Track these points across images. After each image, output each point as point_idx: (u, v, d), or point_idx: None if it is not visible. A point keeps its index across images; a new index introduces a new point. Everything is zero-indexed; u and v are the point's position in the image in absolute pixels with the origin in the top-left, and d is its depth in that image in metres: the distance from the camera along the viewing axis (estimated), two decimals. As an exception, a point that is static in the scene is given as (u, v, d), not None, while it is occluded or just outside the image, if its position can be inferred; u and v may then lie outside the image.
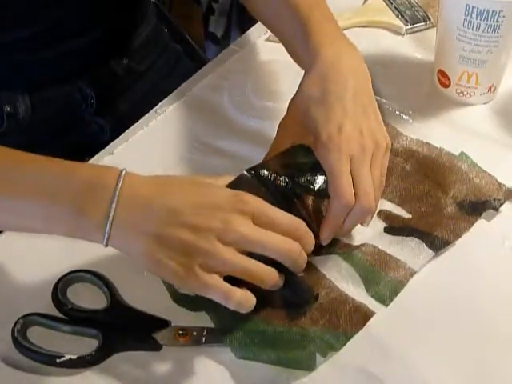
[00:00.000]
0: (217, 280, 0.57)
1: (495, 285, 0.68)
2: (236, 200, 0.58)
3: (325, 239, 0.66)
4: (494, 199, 0.73)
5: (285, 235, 0.59)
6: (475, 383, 0.61)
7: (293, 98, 0.70)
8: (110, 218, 0.56)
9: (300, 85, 0.70)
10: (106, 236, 0.57)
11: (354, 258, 0.68)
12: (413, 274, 0.68)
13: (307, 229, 0.61)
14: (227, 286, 0.58)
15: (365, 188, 0.64)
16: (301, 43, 0.72)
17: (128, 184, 0.58)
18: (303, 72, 0.90)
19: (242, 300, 0.58)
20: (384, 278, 0.67)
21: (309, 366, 0.61)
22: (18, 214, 0.59)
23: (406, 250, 0.69)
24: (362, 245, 0.70)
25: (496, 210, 0.73)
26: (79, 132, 0.92)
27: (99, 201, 0.57)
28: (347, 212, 0.64)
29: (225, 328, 0.63)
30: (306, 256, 0.61)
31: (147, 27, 0.97)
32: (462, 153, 0.77)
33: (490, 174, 0.75)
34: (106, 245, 0.57)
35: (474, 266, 0.69)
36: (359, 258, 0.68)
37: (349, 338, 0.63)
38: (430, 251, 0.69)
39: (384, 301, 0.66)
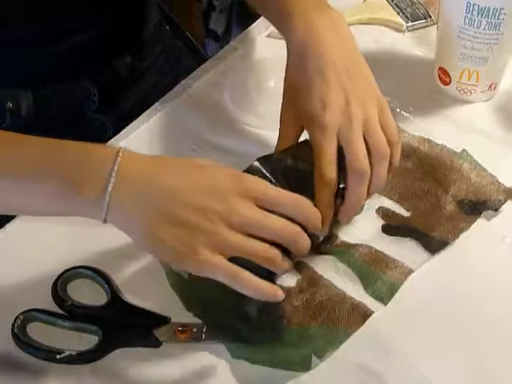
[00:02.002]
0: (221, 259, 0.57)
1: (495, 282, 0.68)
2: (238, 182, 0.58)
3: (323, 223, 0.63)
4: (494, 199, 0.73)
5: (288, 214, 0.59)
6: (475, 379, 0.61)
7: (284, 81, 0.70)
8: (108, 194, 0.56)
9: (286, 68, 0.69)
10: (105, 212, 0.56)
11: (351, 259, 0.68)
12: (410, 272, 0.68)
13: (310, 203, 0.61)
14: (233, 265, 0.57)
15: (353, 152, 0.63)
16: (277, 18, 0.72)
17: (126, 160, 0.57)
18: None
19: (251, 280, 0.57)
20: (382, 277, 0.67)
21: (304, 367, 0.61)
22: (16, 194, 0.59)
23: (403, 252, 0.69)
24: (359, 245, 0.69)
25: (495, 210, 0.72)
26: (82, 129, 0.92)
27: (96, 176, 0.57)
28: (333, 189, 0.63)
29: (218, 327, 0.63)
30: (308, 240, 0.60)
31: (149, 25, 0.97)
32: (463, 150, 0.77)
33: (491, 174, 0.75)
34: (105, 221, 0.57)
35: (474, 263, 0.69)
36: (356, 259, 0.68)
37: (348, 336, 0.63)
38: (427, 253, 0.69)
39: (383, 299, 0.66)
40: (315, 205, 0.62)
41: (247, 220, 0.57)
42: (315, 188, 0.64)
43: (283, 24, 0.70)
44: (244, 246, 0.57)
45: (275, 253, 0.59)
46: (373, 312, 0.65)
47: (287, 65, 0.69)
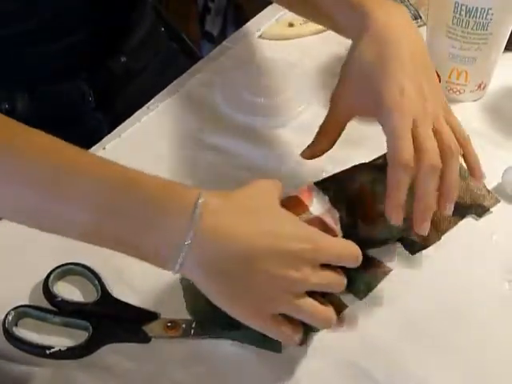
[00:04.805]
0: (287, 327, 0.58)
1: (483, 278, 0.68)
2: (310, 248, 0.58)
3: (391, 215, 0.62)
4: (480, 205, 0.73)
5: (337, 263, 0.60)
6: (466, 376, 0.61)
7: (344, 68, 0.68)
8: (185, 249, 0.54)
9: (352, 53, 0.67)
10: (179, 263, 0.55)
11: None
12: (389, 271, 0.68)
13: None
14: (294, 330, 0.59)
15: (427, 147, 0.61)
16: (345, 11, 0.70)
17: (207, 210, 0.55)
18: (296, 67, 0.90)
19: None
20: (360, 276, 0.66)
21: (276, 349, 0.62)
22: (60, 221, 0.57)
23: (382, 251, 0.69)
24: None
25: (479, 216, 0.73)
26: (77, 130, 0.92)
27: (172, 223, 0.55)
28: (408, 177, 0.61)
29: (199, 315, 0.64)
30: None
31: (144, 26, 0.98)
32: None
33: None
34: (177, 272, 0.56)
35: (463, 260, 0.69)
36: None
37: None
38: (407, 253, 0.69)
39: (358, 293, 0.66)
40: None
41: (311, 285, 0.58)
42: (388, 174, 0.61)
43: (358, 5, 0.68)
44: (308, 311, 0.59)
45: (332, 313, 0.60)
46: (347, 306, 0.65)
47: (357, 49, 0.66)
